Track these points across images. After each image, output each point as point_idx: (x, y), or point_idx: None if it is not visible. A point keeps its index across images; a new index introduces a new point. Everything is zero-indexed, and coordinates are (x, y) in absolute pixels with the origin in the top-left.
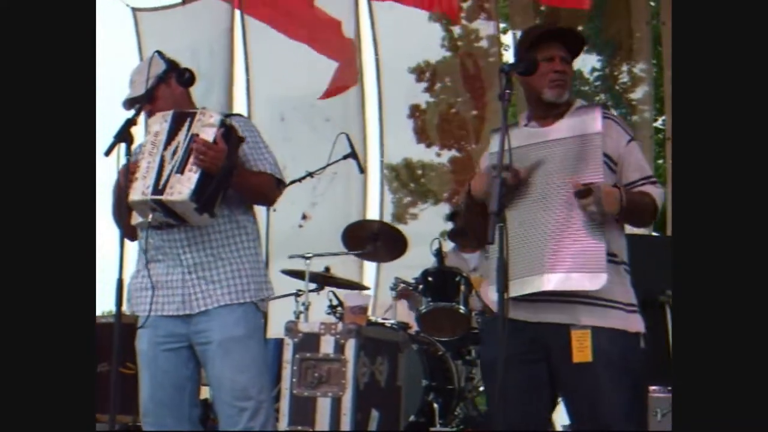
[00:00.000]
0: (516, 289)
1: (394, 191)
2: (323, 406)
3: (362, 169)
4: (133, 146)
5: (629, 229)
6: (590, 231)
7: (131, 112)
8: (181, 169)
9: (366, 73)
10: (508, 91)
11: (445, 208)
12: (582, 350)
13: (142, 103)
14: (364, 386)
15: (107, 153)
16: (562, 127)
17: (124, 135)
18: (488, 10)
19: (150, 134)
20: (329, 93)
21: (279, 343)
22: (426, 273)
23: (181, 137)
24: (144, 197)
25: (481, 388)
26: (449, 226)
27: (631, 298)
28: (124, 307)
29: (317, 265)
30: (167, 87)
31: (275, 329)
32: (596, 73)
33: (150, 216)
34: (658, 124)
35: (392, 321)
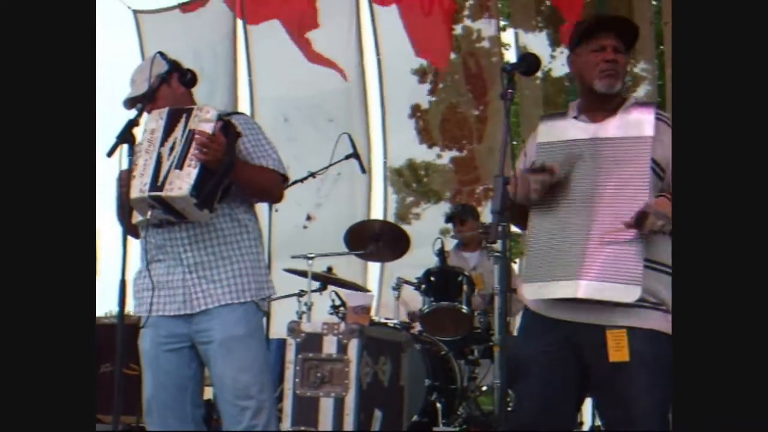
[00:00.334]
0: (549, 291)
1: (397, 192)
2: (326, 406)
3: (364, 169)
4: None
5: None
6: (630, 241)
7: (132, 113)
8: (180, 165)
9: (368, 73)
10: (510, 90)
11: (447, 208)
12: (619, 350)
13: (144, 102)
14: (367, 386)
15: (110, 154)
16: (612, 126)
17: (126, 136)
18: (490, 9)
19: (146, 132)
20: (319, 58)
21: (282, 344)
22: (428, 273)
23: (179, 133)
24: (142, 194)
25: (484, 388)
26: (450, 225)
27: (669, 301)
28: (130, 308)
29: (320, 266)
30: (169, 87)
31: (278, 329)
32: None
33: (149, 213)
34: None
35: (395, 321)
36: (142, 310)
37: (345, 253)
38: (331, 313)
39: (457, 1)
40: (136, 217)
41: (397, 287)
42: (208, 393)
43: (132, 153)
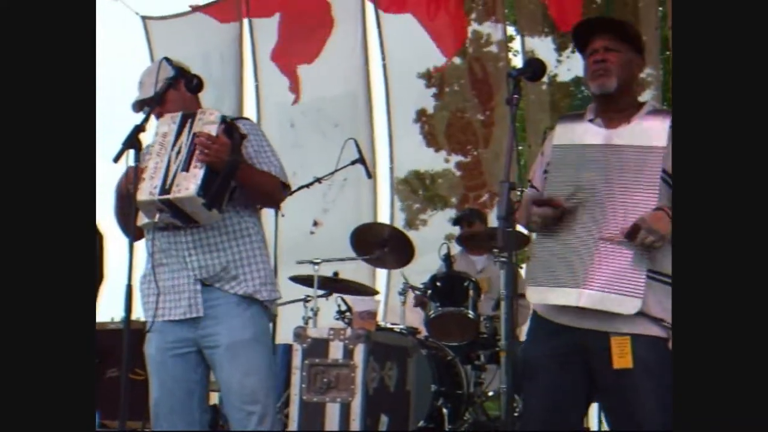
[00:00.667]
0: (553, 297)
1: (403, 199)
2: (332, 411)
3: (370, 174)
4: (142, 152)
5: None
6: (634, 251)
7: (139, 116)
8: (185, 167)
9: (374, 78)
10: (516, 95)
11: (454, 213)
12: (623, 356)
13: (152, 105)
14: (374, 391)
15: (116, 159)
16: (625, 134)
17: (132, 141)
18: (496, 13)
19: (158, 135)
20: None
21: (288, 349)
22: (435, 278)
23: (184, 137)
24: (151, 197)
25: (491, 393)
26: (458, 230)
27: (669, 317)
28: (138, 313)
29: (326, 271)
30: (177, 91)
31: (284, 335)
32: None
33: (156, 216)
34: None
35: (401, 326)
36: (149, 315)
37: (351, 259)
38: (338, 319)
39: (464, 4)
40: (142, 219)
41: (404, 292)
42: (214, 398)
43: (138, 159)
